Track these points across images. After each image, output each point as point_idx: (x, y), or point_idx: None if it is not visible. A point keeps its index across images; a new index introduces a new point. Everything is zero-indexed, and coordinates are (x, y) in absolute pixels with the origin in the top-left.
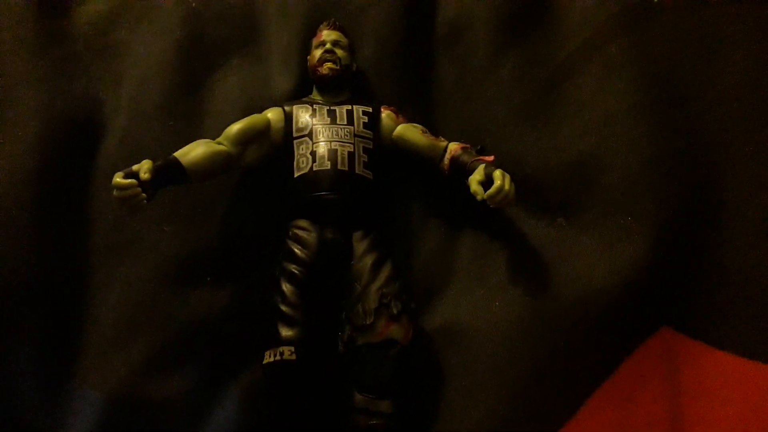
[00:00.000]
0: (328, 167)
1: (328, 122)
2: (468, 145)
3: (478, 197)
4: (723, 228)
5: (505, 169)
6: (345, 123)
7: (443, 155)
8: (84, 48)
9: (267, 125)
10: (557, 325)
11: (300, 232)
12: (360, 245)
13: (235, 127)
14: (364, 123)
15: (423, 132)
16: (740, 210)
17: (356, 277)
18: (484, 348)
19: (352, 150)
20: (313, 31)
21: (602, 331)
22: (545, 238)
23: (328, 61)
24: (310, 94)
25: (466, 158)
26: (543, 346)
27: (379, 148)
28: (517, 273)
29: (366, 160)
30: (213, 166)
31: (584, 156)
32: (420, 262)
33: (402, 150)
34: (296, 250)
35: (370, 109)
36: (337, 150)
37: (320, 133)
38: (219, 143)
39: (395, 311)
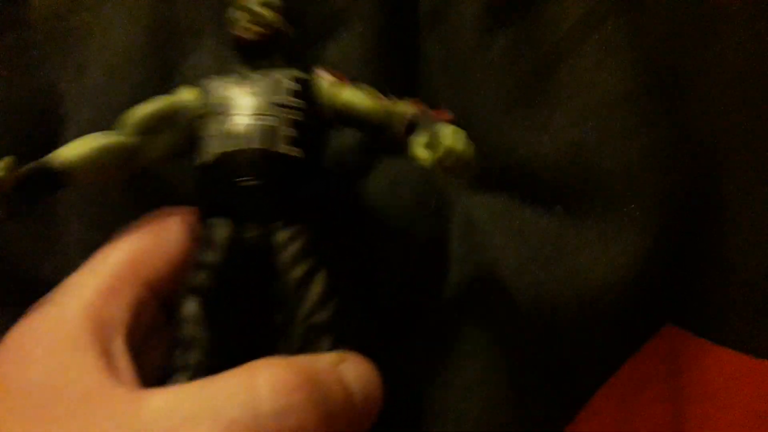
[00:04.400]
0: (242, 146)
1: (247, 92)
2: (424, 109)
3: (424, 163)
4: (726, 220)
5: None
6: (267, 92)
7: (401, 119)
8: (42, 35)
9: (181, 108)
10: (557, 322)
11: (209, 232)
12: (287, 249)
13: (139, 112)
14: (294, 91)
15: (376, 97)
16: (744, 201)
17: (279, 296)
18: (480, 346)
19: (274, 124)
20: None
21: (605, 328)
22: (542, 229)
23: (255, 24)
24: (242, 58)
25: (422, 120)
26: (543, 345)
27: (315, 120)
28: (512, 266)
29: (294, 135)
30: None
31: (580, 142)
32: (412, 259)
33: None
34: (203, 253)
35: (305, 75)
36: (253, 125)
37: (235, 106)
38: (117, 134)
39: (324, 350)
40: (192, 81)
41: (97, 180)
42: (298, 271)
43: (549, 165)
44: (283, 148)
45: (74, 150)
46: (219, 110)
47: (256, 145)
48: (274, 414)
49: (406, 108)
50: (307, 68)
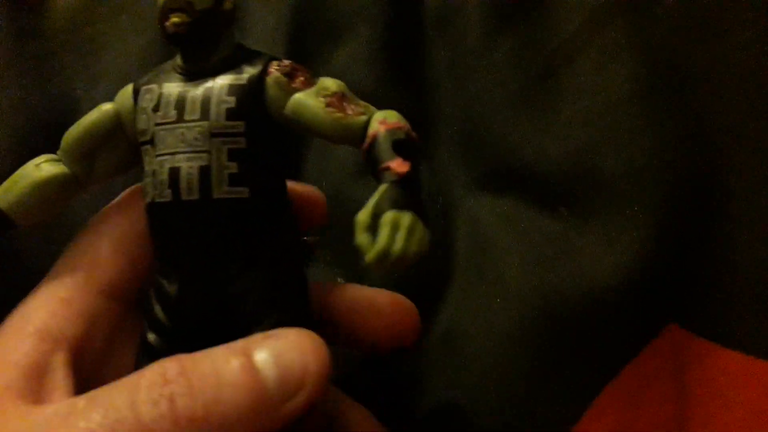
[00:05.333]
0: (168, 198)
1: (173, 118)
2: (399, 126)
3: (363, 255)
4: (730, 220)
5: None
6: (197, 117)
7: (364, 135)
8: (59, 44)
9: (115, 121)
10: (561, 323)
11: (161, 283)
12: (246, 301)
13: (71, 134)
14: (228, 111)
15: (330, 104)
16: (749, 201)
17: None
18: (486, 347)
19: (206, 163)
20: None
21: (609, 329)
22: (547, 231)
23: (174, 11)
24: (179, 52)
25: (379, 155)
26: (548, 345)
27: (263, 139)
28: (517, 267)
29: (236, 171)
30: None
31: (585, 144)
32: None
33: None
34: (155, 309)
35: (245, 80)
36: (179, 169)
37: (162, 139)
38: (50, 162)
39: None
40: None
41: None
42: (263, 328)
43: (553, 166)
44: (223, 191)
45: (16, 189)
46: (147, 139)
47: (187, 195)
48: (149, 401)
49: (373, 121)
50: (253, 57)
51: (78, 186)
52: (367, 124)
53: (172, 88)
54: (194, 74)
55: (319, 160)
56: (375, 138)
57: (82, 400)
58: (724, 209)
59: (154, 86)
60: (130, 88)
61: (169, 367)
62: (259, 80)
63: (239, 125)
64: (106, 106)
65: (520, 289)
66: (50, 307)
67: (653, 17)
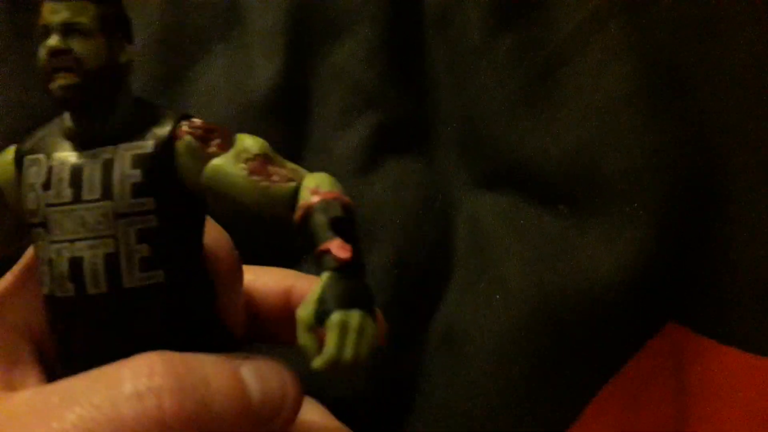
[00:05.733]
0: (71, 293)
1: (69, 199)
2: (335, 196)
3: (307, 357)
4: (730, 219)
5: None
6: (97, 197)
7: (293, 205)
8: None
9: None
10: (561, 321)
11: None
12: None
13: None
14: (134, 186)
15: (253, 170)
16: (748, 200)
17: None
18: (485, 345)
19: (112, 250)
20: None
21: (609, 326)
22: (546, 229)
23: (59, 70)
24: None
25: (316, 234)
26: (548, 343)
27: (176, 214)
28: (517, 265)
29: (147, 254)
30: None
31: (584, 142)
32: (417, 259)
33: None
34: None
35: (150, 147)
36: (82, 259)
37: (57, 223)
38: None
39: None
40: (198, 87)
41: None
42: None
43: (553, 165)
44: (135, 279)
45: None
46: (38, 221)
47: (94, 289)
48: (134, 395)
49: (303, 190)
50: (157, 116)
51: None
52: (296, 191)
53: (65, 158)
54: (89, 140)
55: (318, 158)
56: (308, 212)
57: (56, 396)
58: (723, 208)
59: (41, 156)
60: (10, 154)
61: (156, 360)
62: (166, 146)
63: (148, 202)
64: None
65: (519, 288)
66: (16, 298)
67: (653, 17)
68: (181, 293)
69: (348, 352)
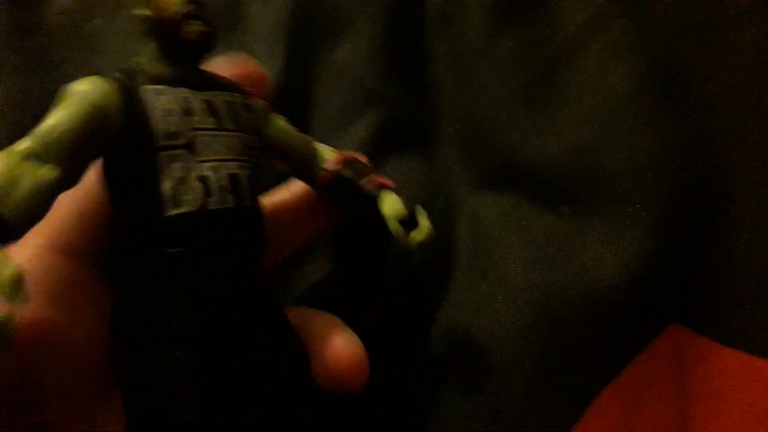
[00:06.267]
0: (231, 204)
1: (213, 125)
2: (348, 156)
3: (404, 241)
4: (732, 219)
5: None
6: (233, 128)
7: (315, 161)
8: (58, 41)
9: (101, 118)
10: (563, 321)
11: (169, 318)
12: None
13: (64, 130)
14: (249, 125)
15: (297, 130)
16: (749, 201)
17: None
18: (488, 346)
19: (248, 173)
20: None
21: (611, 327)
22: (548, 229)
23: (195, 17)
24: (167, 59)
25: (355, 177)
26: (548, 344)
27: (262, 159)
28: (518, 265)
29: (255, 181)
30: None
31: (586, 142)
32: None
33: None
34: (178, 325)
35: (245, 98)
36: (238, 176)
37: (206, 144)
38: (38, 160)
39: None
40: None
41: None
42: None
43: (555, 165)
44: (247, 199)
45: (13, 198)
46: (182, 142)
47: (246, 202)
48: None
49: (322, 151)
50: (231, 84)
51: (64, 188)
52: (314, 149)
53: (192, 95)
54: (191, 83)
55: None
56: (338, 164)
57: None
58: (725, 209)
59: (163, 87)
60: (109, 85)
61: None
62: (248, 101)
63: (256, 140)
64: (93, 100)
65: (521, 288)
66: (75, 225)
67: (654, 17)
68: (258, 217)
69: (431, 230)
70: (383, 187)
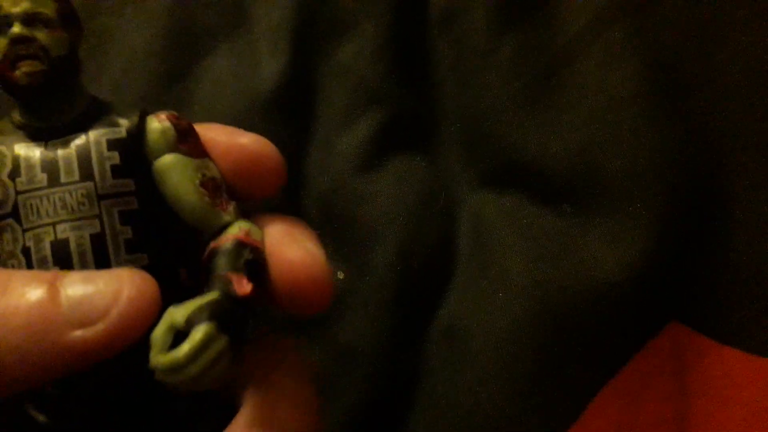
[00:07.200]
0: None
1: (44, 183)
2: (259, 248)
3: (151, 355)
4: (732, 219)
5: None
6: (77, 178)
7: (216, 234)
8: None
9: None
10: (563, 320)
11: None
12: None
13: None
14: (113, 167)
15: (204, 185)
16: (749, 200)
17: None
18: (488, 343)
19: (98, 230)
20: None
21: (610, 325)
22: (549, 228)
23: (23, 58)
24: (23, 108)
25: (226, 262)
26: (549, 342)
27: (154, 196)
28: (519, 263)
29: (130, 236)
30: None
31: (588, 143)
32: (419, 257)
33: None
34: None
35: (123, 132)
36: (67, 240)
37: (32, 208)
38: None
39: None
40: (204, 84)
41: None
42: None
43: (556, 164)
44: (122, 260)
45: None
46: (6, 211)
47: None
48: None
49: (223, 222)
50: (116, 109)
51: None
52: (226, 226)
53: (29, 147)
54: (47, 133)
55: (321, 154)
56: (234, 243)
57: None
58: (726, 208)
59: (1, 148)
60: None
61: None
62: (139, 132)
63: (128, 183)
64: None
65: (522, 286)
66: None
67: (656, 19)
68: (164, 277)
69: (202, 358)
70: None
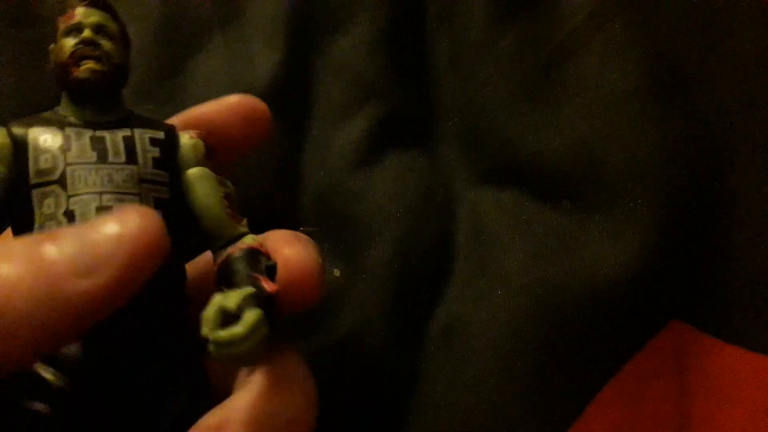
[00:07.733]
0: None
1: (93, 159)
2: (267, 253)
3: (204, 333)
4: (734, 216)
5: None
6: (123, 160)
7: (228, 244)
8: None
9: None
10: (563, 317)
11: (45, 374)
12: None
13: None
14: (154, 159)
15: (227, 197)
16: (751, 197)
17: None
18: (487, 341)
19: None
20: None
21: (611, 323)
22: (549, 224)
23: (88, 57)
24: (74, 103)
25: (241, 269)
26: (549, 340)
27: (180, 193)
28: (519, 260)
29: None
30: None
31: (587, 138)
32: (417, 253)
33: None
34: (42, 374)
35: (162, 134)
36: (110, 208)
37: (80, 178)
38: None
39: None
40: (197, 78)
41: None
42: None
43: (556, 160)
44: None
45: None
46: (54, 178)
47: None
48: None
49: (238, 233)
50: (152, 121)
51: None
52: (239, 237)
53: (79, 131)
54: (92, 125)
55: (318, 151)
56: (249, 249)
57: None
58: (726, 205)
59: (52, 127)
60: (3, 131)
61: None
62: (173, 138)
63: (164, 175)
64: None
65: (521, 283)
66: None
67: (657, 14)
68: (176, 264)
69: (253, 336)
70: (255, 282)
